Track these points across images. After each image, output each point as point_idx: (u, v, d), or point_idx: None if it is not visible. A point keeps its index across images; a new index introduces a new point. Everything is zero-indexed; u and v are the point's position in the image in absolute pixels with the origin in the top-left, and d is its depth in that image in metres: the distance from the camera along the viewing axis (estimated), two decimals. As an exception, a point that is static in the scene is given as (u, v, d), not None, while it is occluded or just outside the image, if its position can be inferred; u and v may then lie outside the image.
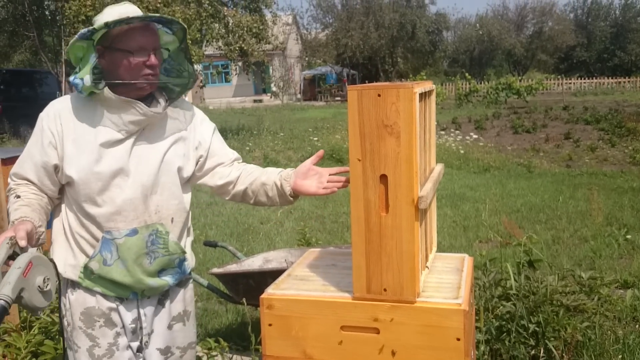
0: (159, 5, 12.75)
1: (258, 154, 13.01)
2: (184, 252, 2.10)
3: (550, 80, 34.42)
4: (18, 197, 1.94)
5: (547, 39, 45.85)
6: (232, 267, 3.52)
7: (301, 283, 1.86)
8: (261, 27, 16.19)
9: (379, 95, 1.58)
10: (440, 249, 6.09)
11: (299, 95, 37.02)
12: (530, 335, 3.19)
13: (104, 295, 2.03)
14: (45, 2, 15.15)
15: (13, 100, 16.77)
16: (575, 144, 13.88)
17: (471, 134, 15.16)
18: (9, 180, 2.03)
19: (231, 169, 2.17)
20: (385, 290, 1.66)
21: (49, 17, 15.64)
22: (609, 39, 47.00)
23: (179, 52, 2.06)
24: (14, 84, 17.53)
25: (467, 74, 30.31)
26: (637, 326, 3.61)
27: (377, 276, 1.66)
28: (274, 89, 35.25)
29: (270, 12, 18.22)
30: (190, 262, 2.17)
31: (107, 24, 1.87)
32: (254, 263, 3.58)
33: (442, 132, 15.66)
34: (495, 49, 45.66)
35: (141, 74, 1.94)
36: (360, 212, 1.65)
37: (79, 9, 12.49)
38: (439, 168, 2.00)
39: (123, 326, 2.06)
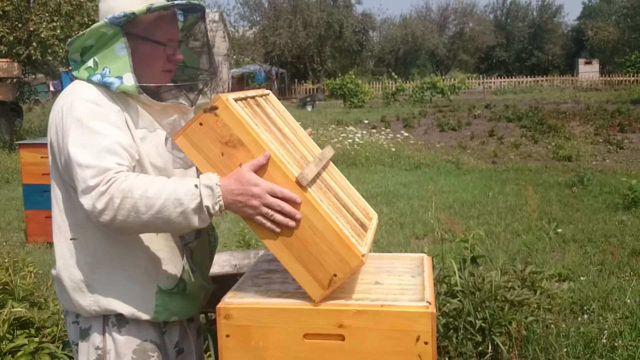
0: None
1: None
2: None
3: (471, 79, 35.46)
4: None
5: (468, 39, 47.28)
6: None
7: (260, 290, 1.76)
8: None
9: (201, 124, 1.57)
10: (379, 246, 6.04)
11: (227, 94, 36.52)
12: (477, 332, 3.21)
13: (153, 323, 1.73)
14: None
15: None
16: (499, 140, 14.29)
17: (401, 131, 15.36)
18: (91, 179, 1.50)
19: None
20: (335, 275, 1.60)
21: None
22: (527, 39, 48.95)
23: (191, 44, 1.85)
24: None
25: (393, 73, 30.79)
26: (579, 319, 3.70)
27: (320, 268, 1.60)
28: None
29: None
30: None
31: (149, 9, 1.60)
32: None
33: (374, 130, 15.81)
34: (419, 49, 46.63)
35: (162, 70, 1.71)
36: (262, 229, 1.61)
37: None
38: (323, 149, 1.95)
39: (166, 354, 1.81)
